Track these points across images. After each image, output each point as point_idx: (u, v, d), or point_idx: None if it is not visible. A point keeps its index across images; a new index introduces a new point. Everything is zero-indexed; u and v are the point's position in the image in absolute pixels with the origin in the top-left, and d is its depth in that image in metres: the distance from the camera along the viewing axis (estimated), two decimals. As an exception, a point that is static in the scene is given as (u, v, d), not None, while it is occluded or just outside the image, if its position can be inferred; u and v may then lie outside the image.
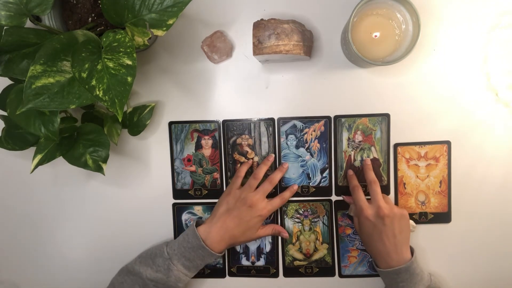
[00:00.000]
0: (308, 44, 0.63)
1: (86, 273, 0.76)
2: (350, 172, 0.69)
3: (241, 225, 0.65)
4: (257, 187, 0.67)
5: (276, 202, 0.68)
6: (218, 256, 0.66)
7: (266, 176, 0.69)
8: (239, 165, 0.71)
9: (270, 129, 0.70)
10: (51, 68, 0.49)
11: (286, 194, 0.69)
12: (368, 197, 0.66)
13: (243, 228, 0.65)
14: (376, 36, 0.61)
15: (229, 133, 0.71)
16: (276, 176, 0.69)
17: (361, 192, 0.65)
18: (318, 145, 0.70)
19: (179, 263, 0.63)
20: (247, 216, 0.65)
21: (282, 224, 0.72)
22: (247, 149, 0.71)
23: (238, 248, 0.72)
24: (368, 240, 0.64)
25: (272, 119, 0.70)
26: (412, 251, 0.63)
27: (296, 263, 0.72)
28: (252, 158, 0.71)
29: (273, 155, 0.70)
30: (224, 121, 0.71)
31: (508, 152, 0.68)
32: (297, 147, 0.70)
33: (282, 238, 0.72)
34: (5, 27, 0.52)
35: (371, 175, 0.66)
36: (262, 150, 0.71)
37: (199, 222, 0.68)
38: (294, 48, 0.60)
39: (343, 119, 0.69)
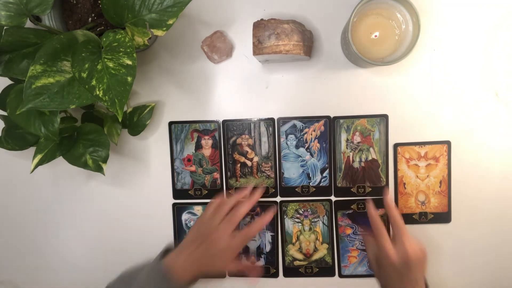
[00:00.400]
0: (308, 44, 0.63)
1: (86, 273, 0.76)
2: (370, 205, 0.66)
3: (209, 258, 0.61)
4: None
5: (241, 237, 0.63)
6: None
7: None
8: (239, 165, 0.71)
9: (270, 129, 0.70)
10: (51, 68, 0.49)
11: (255, 227, 0.64)
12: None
13: (212, 260, 0.61)
14: (376, 36, 0.61)
15: (229, 133, 0.71)
16: (242, 209, 0.63)
17: (385, 235, 0.61)
18: (318, 145, 0.70)
19: None
20: (213, 249, 0.61)
21: (282, 224, 0.72)
22: (247, 149, 0.71)
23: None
24: (387, 282, 0.61)
25: (272, 119, 0.70)
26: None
27: (296, 263, 0.72)
28: (252, 158, 0.71)
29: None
30: (224, 121, 0.71)
31: (508, 152, 0.68)
32: (297, 147, 0.70)
33: (282, 238, 0.72)
34: (5, 27, 0.52)
35: (395, 214, 0.62)
36: (262, 150, 0.70)
37: (168, 250, 0.65)
38: (294, 48, 0.60)
39: (341, 120, 0.69)
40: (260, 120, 0.70)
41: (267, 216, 0.65)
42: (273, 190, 0.70)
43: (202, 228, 0.63)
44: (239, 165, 0.71)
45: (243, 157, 0.71)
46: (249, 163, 0.71)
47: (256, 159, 0.71)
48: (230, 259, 0.62)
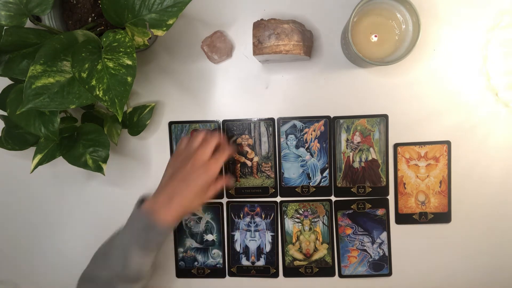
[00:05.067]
0: (308, 44, 0.63)
1: (86, 273, 0.76)
2: None
3: (189, 187, 0.58)
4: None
5: (222, 156, 0.62)
6: (170, 230, 0.60)
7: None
8: (239, 165, 0.71)
9: (270, 129, 0.70)
10: (51, 68, 0.49)
11: (227, 148, 0.64)
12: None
13: (192, 190, 0.59)
14: (376, 36, 0.61)
15: (229, 133, 0.71)
16: (215, 134, 0.64)
17: None
18: (318, 145, 0.70)
19: (134, 252, 0.57)
20: (193, 175, 0.59)
21: (282, 224, 0.72)
22: (247, 149, 0.71)
23: (238, 248, 0.72)
24: None
25: (272, 119, 0.70)
26: None
27: (296, 263, 0.72)
28: (252, 158, 0.71)
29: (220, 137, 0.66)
30: (224, 121, 0.71)
31: (508, 152, 0.68)
32: (297, 147, 0.70)
33: (282, 238, 0.72)
34: (5, 27, 0.52)
35: None
36: (262, 150, 0.70)
37: (144, 199, 0.62)
38: (294, 48, 0.60)
39: (341, 120, 0.69)
40: (260, 120, 0.70)
41: (233, 138, 0.68)
42: (273, 190, 0.70)
43: (178, 161, 0.62)
44: (239, 165, 0.71)
45: (243, 157, 0.71)
46: (249, 163, 0.71)
47: (256, 159, 0.71)
48: (209, 178, 0.60)
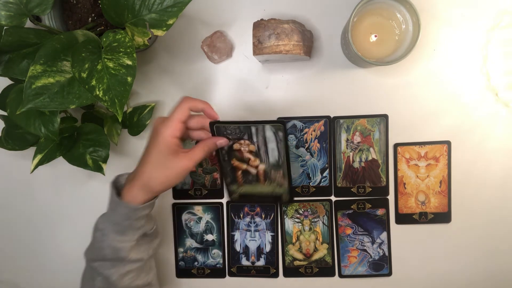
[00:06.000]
0: (308, 44, 0.63)
1: (86, 273, 0.76)
2: None
3: (151, 157, 0.52)
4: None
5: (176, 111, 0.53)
6: (136, 208, 0.53)
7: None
8: (240, 172, 0.62)
9: (280, 134, 0.56)
10: (51, 68, 0.49)
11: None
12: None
13: (155, 160, 0.52)
14: (376, 36, 0.61)
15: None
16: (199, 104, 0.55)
17: None
18: (318, 145, 0.70)
19: (109, 231, 0.55)
20: (154, 142, 0.52)
21: (282, 224, 0.72)
22: (248, 155, 0.60)
23: (238, 248, 0.72)
24: None
25: (282, 122, 0.55)
26: None
27: (296, 263, 0.72)
28: (257, 166, 0.61)
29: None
30: (213, 124, 0.56)
31: (508, 152, 0.68)
32: (297, 147, 0.70)
33: (282, 238, 0.72)
34: (5, 27, 0.52)
35: None
36: (270, 158, 0.59)
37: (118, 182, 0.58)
38: (294, 48, 0.60)
39: (341, 120, 0.69)
40: (265, 123, 0.56)
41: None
42: (288, 197, 0.65)
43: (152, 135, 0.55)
44: (240, 172, 0.63)
45: (245, 163, 0.61)
46: (253, 170, 0.62)
47: (262, 166, 0.61)
48: (175, 149, 0.52)
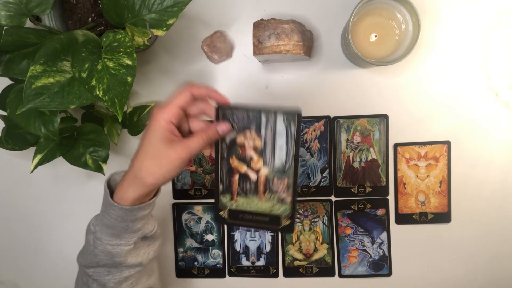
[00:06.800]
0: (308, 44, 0.63)
1: (86, 273, 0.76)
2: None
3: (143, 145, 0.46)
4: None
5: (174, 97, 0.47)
6: (132, 208, 0.48)
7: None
8: (237, 176, 0.50)
9: (292, 128, 0.47)
10: (51, 68, 0.49)
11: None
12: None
13: (146, 148, 0.45)
14: (376, 36, 0.61)
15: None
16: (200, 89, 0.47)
17: None
18: (318, 145, 0.70)
19: (103, 234, 0.50)
20: (148, 128, 0.46)
21: (282, 224, 0.71)
22: (251, 153, 0.49)
23: (238, 248, 0.72)
24: None
25: (298, 114, 0.46)
26: None
27: (296, 263, 0.72)
28: (259, 170, 0.49)
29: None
30: (220, 107, 0.48)
31: (508, 152, 0.68)
32: (297, 147, 0.70)
33: (282, 239, 0.72)
34: (5, 27, 0.52)
35: None
36: (276, 159, 0.48)
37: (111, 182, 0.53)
38: (294, 48, 0.60)
39: (341, 120, 0.69)
40: (278, 112, 0.46)
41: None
42: (289, 221, 0.50)
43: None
44: (237, 176, 0.49)
45: (245, 165, 0.49)
46: (253, 175, 0.49)
47: (265, 171, 0.49)
48: (167, 138, 0.45)
